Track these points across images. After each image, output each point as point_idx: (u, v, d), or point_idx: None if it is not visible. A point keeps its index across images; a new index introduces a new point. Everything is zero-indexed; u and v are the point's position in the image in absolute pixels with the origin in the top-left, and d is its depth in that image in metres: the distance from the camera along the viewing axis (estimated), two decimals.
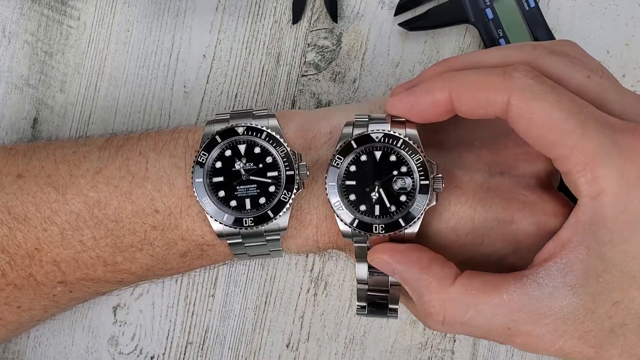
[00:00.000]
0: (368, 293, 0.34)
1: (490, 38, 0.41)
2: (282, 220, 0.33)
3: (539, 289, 0.30)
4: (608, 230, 0.29)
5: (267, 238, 0.34)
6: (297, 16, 0.43)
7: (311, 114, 0.36)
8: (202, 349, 0.43)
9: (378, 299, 0.34)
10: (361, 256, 0.34)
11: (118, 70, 0.43)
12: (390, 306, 0.34)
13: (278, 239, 0.34)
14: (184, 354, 0.43)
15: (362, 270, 0.34)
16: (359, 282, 0.34)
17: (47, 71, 0.43)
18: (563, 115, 0.29)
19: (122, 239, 0.34)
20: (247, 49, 0.43)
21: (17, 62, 0.43)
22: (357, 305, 0.35)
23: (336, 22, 0.43)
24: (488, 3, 0.41)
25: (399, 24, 0.42)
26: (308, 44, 0.43)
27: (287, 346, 0.43)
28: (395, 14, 0.43)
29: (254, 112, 0.35)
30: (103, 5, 0.43)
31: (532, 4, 0.41)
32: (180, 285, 0.43)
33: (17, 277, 0.35)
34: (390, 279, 0.34)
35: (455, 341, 0.43)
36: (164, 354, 0.43)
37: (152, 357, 0.43)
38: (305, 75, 0.43)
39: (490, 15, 0.41)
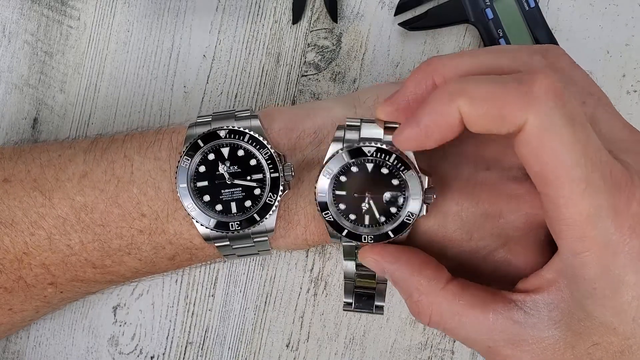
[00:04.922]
0: (355, 290, 0.35)
1: (490, 38, 0.41)
2: (269, 222, 0.33)
3: (524, 317, 0.30)
4: (590, 286, 0.28)
5: (255, 240, 0.34)
6: (297, 16, 0.43)
7: (295, 111, 0.36)
8: (202, 349, 0.43)
9: (365, 296, 0.35)
10: (349, 254, 0.34)
11: (118, 70, 0.43)
12: (377, 303, 0.35)
13: (266, 240, 0.34)
14: (184, 354, 0.43)
15: (349, 268, 0.34)
16: (347, 278, 0.35)
17: (47, 71, 0.43)
18: (572, 162, 0.26)
19: (110, 243, 0.34)
20: (247, 49, 0.43)
21: (17, 62, 0.43)
22: (344, 302, 0.35)
23: (336, 22, 0.43)
24: (488, 3, 0.41)
25: (399, 24, 0.42)
26: (308, 44, 0.43)
27: (287, 346, 0.43)
28: (395, 14, 0.43)
29: (236, 114, 0.34)
30: (103, 5, 0.43)
31: (532, 4, 0.41)
32: (180, 285, 0.43)
33: (7, 280, 0.35)
34: (377, 276, 0.34)
35: (455, 341, 0.43)
36: (164, 354, 0.43)
37: (152, 357, 0.43)
38: (305, 75, 0.43)
39: (490, 15, 0.41)
